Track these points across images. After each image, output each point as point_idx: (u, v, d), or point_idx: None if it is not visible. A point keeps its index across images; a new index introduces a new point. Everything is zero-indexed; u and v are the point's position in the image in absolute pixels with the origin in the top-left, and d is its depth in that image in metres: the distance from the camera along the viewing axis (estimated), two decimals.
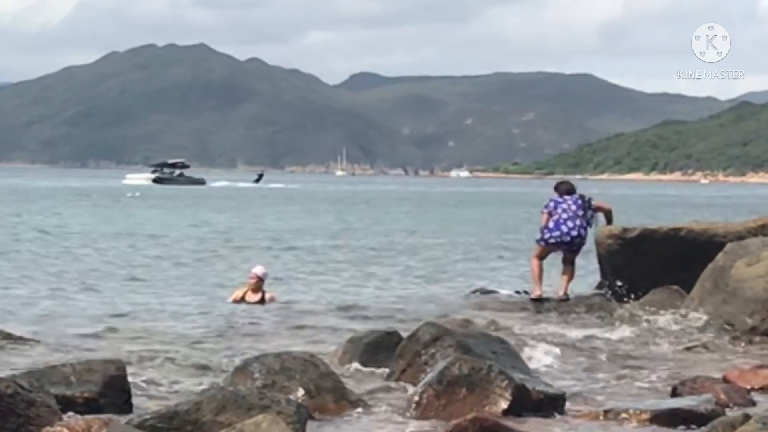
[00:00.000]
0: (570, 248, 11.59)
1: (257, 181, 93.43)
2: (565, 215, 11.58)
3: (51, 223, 30.55)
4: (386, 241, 26.10)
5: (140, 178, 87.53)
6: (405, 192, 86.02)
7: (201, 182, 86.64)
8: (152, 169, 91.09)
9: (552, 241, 11.59)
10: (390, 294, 14.18)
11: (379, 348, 7.92)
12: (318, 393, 6.55)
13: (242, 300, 12.11)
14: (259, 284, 12.16)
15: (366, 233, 28.90)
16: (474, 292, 12.96)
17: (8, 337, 8.81)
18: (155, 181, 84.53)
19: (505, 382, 6.45)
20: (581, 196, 11.82)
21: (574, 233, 11.53)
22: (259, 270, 12.40)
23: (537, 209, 12.46)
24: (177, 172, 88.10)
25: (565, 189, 11.91)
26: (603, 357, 8.68)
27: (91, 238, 24.64)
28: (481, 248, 23.89)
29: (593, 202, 11.89)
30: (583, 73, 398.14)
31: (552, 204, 11.70)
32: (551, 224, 11.58)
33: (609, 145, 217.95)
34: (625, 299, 11.30)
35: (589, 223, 11.68)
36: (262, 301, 12.06)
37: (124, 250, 21.48)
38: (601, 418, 6.53)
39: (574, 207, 11.65)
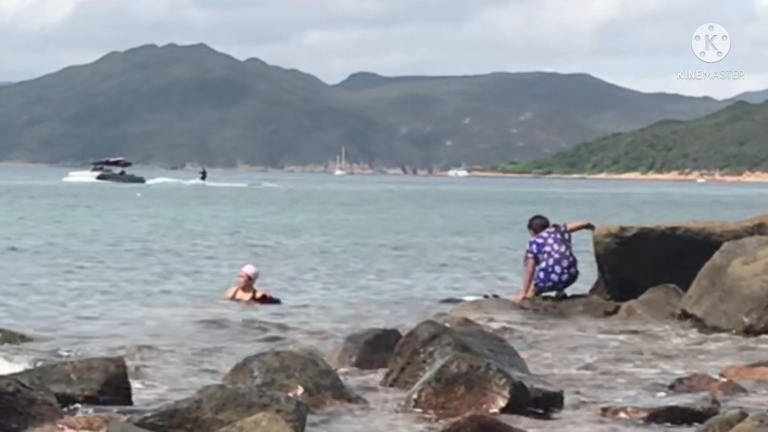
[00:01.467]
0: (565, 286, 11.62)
1: (202, 179, 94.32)
2: (551, 260, 11.46)
3: None
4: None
5: (84, 176, 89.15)
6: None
7: (141, 180, 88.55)
8: (92, 167, 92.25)
9: (546, 290, 11.57)
10: (388, 292, 14.22)
11: (377, 346, 7.96)
12: (317, 391, 6.57)
13: (233, 299, 12.11)
14: (248, 283, 12.13)
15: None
16: (444, 301, 12.77)
17: (9, 335, 8.86)
18: (99, 178, 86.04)
19: (503, 380, 6.48)
20: (556, 228, 11.68)
21: (565, 277, 11.49)
22: (249, 269, 12.38)
23: None
24: (119, 170, 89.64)
25: (539, 225, 11.76)
26: (600, 355, 8.72)
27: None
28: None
29: (568, 226, 11.81)
30: (581, 73, 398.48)
31: (535, 247, 11.54)
32: (541, 274, 11.47)
33: (606, 144, 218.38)
34: (623, 297, 11.34)
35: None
36: (253, 299, 12.04)
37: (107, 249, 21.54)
38: (598, 415, 6.55)
39: (557, 246, 11.51)
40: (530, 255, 11.58)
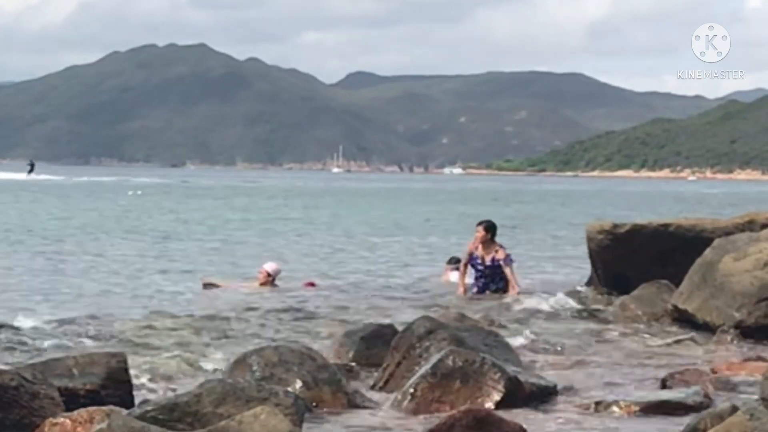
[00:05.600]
0: None
1: (30, 172, 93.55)
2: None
3: None
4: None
5: None
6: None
7: None
8: None
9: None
10: (386, 287, 14.29)
11: (374, 341, 8.05)
12: (315, 385, 6.65)
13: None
14: (268, 280, 12.21)
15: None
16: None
17: (11, 329, 8.95)
18: None
19: (498, 374, 6.56)
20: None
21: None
22: (269, 267, 12.46)
23: None
24: None
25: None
26: (593, 350, 8.82)
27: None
28: None
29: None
30: (574, 72, 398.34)
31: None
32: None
33: (600, 142, 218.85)
34: (615, 293, 11.47)
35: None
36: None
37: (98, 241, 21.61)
38: (592, 409, 6.64)
39: None
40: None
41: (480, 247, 12.05)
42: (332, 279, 14.68)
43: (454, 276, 13.05)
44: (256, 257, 17.51)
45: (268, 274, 12.20)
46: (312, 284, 12.39)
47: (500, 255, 12.10)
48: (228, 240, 23.95)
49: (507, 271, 12.07)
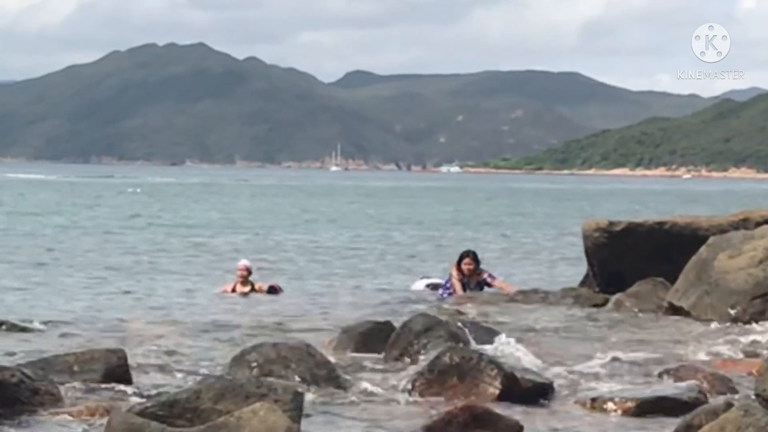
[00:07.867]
0: None
1: None
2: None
3: None
4: None
5: None
6: None
7: None
8: None
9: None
10: (383, 285, 14.35)
11: (372, 338, 8.10)
12: (314, 381, 6.70)
13: (233, 292, 12.44)
14: (247, 276, 12.53)
15: None
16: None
17: (12, 326, 8.99)
18: None
19: (495, 371, 6.61)
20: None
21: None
22: (247, 262, 12.84)
23: None
24: None
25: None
26: (590, 347, 8.86)
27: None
28: None
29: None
30: (570, 72, 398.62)
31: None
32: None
33: (596, 141, 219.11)
34: (612, 290, 11.52)
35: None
36: (253, 290, 12.38)
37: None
38: (588, 406, 6.68)
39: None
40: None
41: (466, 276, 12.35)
42: None
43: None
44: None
45: (248, 270, 12.55)
46: (276, 288, 12.47)
47: (484, 275, 12.41)
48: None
49: (496, 282, 12.38)
